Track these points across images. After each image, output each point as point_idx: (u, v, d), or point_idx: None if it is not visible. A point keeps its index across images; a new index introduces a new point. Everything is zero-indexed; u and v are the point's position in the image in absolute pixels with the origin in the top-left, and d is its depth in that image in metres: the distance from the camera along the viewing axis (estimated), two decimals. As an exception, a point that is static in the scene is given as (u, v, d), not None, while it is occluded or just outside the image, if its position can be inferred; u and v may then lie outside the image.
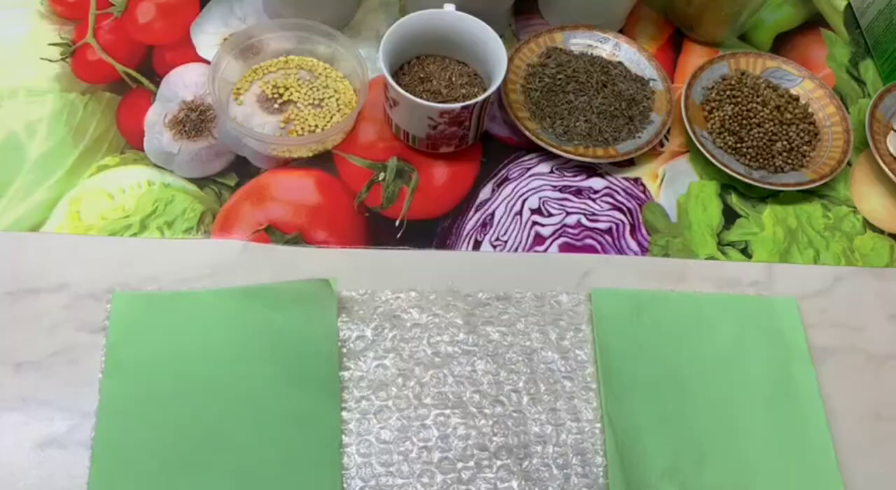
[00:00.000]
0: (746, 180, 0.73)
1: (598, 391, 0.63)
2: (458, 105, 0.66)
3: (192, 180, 0.70)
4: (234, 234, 0.68)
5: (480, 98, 0.67)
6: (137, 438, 0.58)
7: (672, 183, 0.75)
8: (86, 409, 0.59)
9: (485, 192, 0.72)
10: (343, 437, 0.59)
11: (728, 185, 0.75)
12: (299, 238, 0.68)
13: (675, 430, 0.62)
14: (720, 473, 0.61)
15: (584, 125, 0.74)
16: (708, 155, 0.73)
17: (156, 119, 0.73)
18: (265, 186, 0.70)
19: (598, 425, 0.62)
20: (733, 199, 0.74)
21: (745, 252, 0.72)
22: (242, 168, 0.71)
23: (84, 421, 0.59)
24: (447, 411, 0.61)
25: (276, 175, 0.71)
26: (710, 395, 0.64)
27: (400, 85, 0.68)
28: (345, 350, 0.63)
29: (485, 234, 0.70)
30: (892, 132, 0.77)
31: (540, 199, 0.72)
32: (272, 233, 0.68)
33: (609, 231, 0.71)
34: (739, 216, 0.73)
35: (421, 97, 0.69)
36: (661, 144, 0.77)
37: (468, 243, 0.69)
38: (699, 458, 0.61)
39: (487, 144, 0.75)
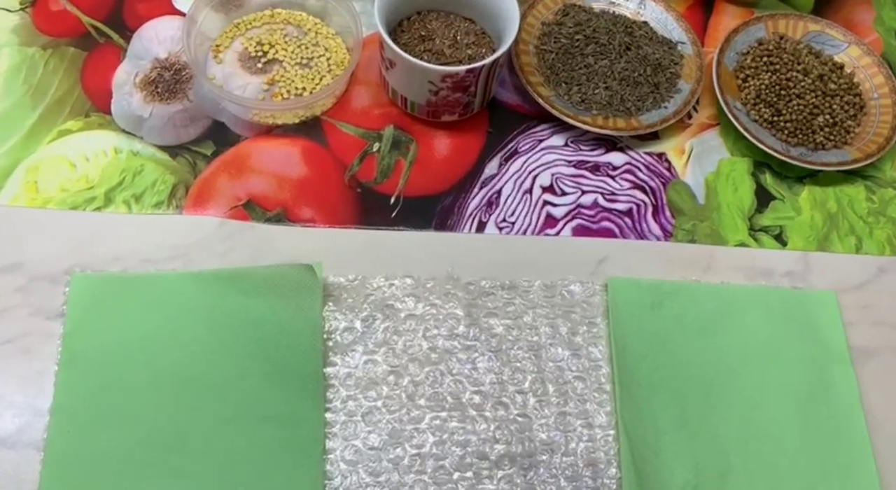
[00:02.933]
0: (783, 158, 0.65)
1: (613, 394, 0.56)
2: (462, 68, 0.59)
3: (163, 148, 0.63)
4: (210, 209, 0.61)
5: (489, 60, 0.59)
6: (95, 440, 0.51)
7: (700, 159, 0.67)
8: (38, 406, 0.53)
9: (491, 167, 0.65)
10: (326, 441, 0.53)
11: (762, 163, 0.67)
12: (282, 215, 0.61)
13: (698, 438, 0.55)
14: (747, 486, 0.54)
15: (604, 93, 0.66)
16: (741, 128, 0.66)
17: (125, 78, 0.66)
18: (245, 156, 0.63)
19: (612, 432, 0.55)
20: (767, 179, 0.67)
21: (780, 239, 0.64)
22: (220, 135, 0.64)
23: (36, 419, 0.52)
24: (444, 414, 0.55)
25: (257, 144, 0.64)
26: (737, 400, 0.57)
27: (398, 44, 0.60)
28: (330, 343, 0.56)
29: (490, 215, 0.63)
30: (946, 106, 0.69)
31: (552, 175, 0.65)
32: (252, 209, 0.61)
33: (629, 212, 0.64)
34: (774, 198, 0.66)
35: (421, 58, 0.61)
36: (689, 116, 0.69)
37: (471, 224, 0.62)
38: (724, 470, 0.55)
39: (495, 113, 0.67)
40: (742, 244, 0.64)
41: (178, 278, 0.57)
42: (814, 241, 0.64)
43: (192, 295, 0.56)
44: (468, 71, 0.59)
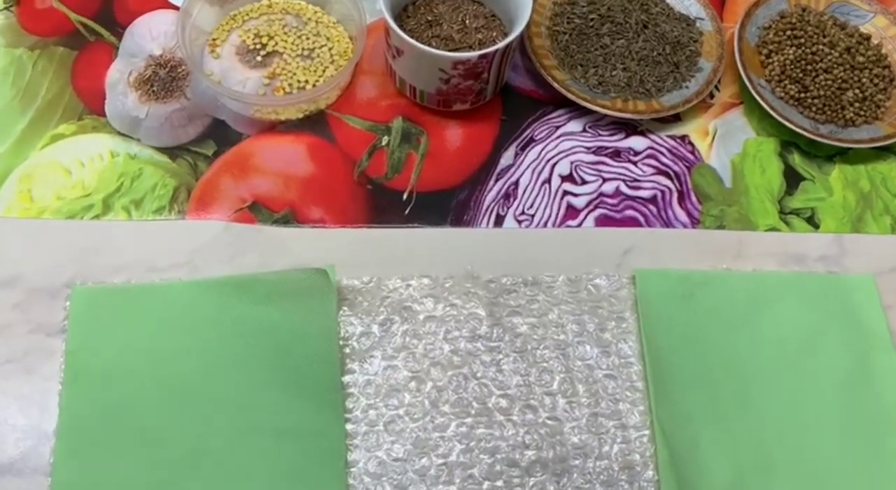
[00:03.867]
0: (812, 136, 0.62)
1: (647, 392, 0.54)
2: (475, 53, 0.55)
3: (162, 150, 0.60)
4: (214, 213, 0.58)
5: (501, 44, 0.56)
6: (104, 463, 0.49)
7: (725, 141, 0.64)
8: (43, 429, 0.50)
9: (506, 157, 0.62)
10: (348, 454, 0.50)
11: (790, 142, 0.64)
12: (290, 217, 0.58)
13: (738, 435, 0.53)
14: (792, 485, 0.52)
15: (622, 74, 0.63)
16: (767, 107, 0.63)
17: (118, 78, 0.63)
18: (248, 155, 0.60)
19: (647, 432, 0.53)
20: (796, 159, 0.64)
21: (812, 221, 0.61)
22: (221, 134, 0.61)
23: (41, 443, 0.50)
24: (469, 420, 0.52)
25: (260, 141, 0.61)
26: (775, 393, 0.54)
27: (404, 30, 0.57)
28: (347, 350, 0.53)
29: (508, 208, 0.60)
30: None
31: (571, 163, 0.62)
32: (258, 211, 0.58)
33: (653, 200, 0.61)
34: (804, 179, 0.63)
35: (429, 44, 0.58)
36: (711, 96, 0.66)
37: (489, 219, 0.59)
38: (766, 468, 0.52)
39: (508, 99, 0.64)
40: (773, 228, 0.61)
41: (184, 288, 0.54)
42: (847, 223, 0.61)
43: (200, 305, 0.53)
44: (481, 57, 0.56)
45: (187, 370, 0.51)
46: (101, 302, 0.53)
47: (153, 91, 0.62)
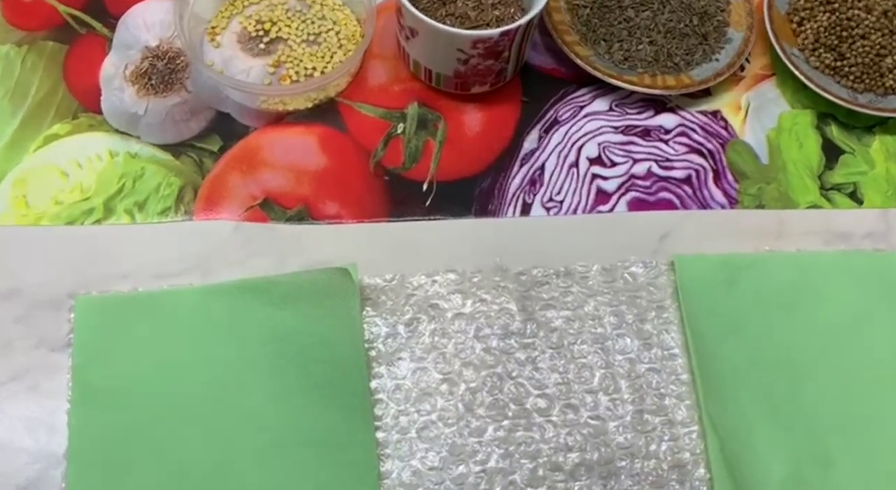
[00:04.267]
0: (850, 106, 0.59)
1: (693, 385, 0.50)
2: (496, 31, 0.52)
3: (164, 147, 0.56)
4: (223, 212, 0.54)
5: (523, 20, 0.52)
6: (121, 485, 0.45)
7: (758, 115, 0.60)
8: (53, 451, 0.47)
9: (530, 141, 0.58)
10: (380, 464, 0.47)
11: (826, 114, 0.61)
12: (304, 213, 0.55)
13: (793, 427, 0.50)
14: (853, 477, 0.49)
15: (649, 48, 0.59)
16: (801, 77, 0.59)
17: (114, 72, 0.59)
18: (256, 149, 0.56)
19: (696, 428, 0.49)
20: (834, 132, 0.60)
21: (855, 196, 0.58)
22: (226, 128, 0.57)
23: (52, 466, 0.46)
24: (507, 423, 0.49)
25: (268, 134, 0.57)
26: (830, 380, 0.51)
27: (417, 8, 0.53)
28: (373, 353, 0.50)
29: (535, 195, 0.56)
30: None
31: (599, 145, 0.58)
32: (270, 208, 0.55)
33: (688, 180, 0.57)
34: (843, 152, 0.60)
35: (444, 23, 0.54)
36: (741, 68, 0.62)
37: (515, 207, 0.56)
38: (825, 461, 0.49)
39: (528, 80, 0.60)
40: (814, 206, 0.57)
41: (195, 293, 0.50)
42: (892, 197, 0.58)
43: (214, 311, 0.50)
44: (503, 34, 0.52)
45: (204, 382, 0.48)
46: (107, 312, 0.50)
47: (151, 85, 0.58)
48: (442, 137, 0.58)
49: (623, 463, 0.48)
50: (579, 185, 0.57)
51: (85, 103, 0.58)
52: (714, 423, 0.49)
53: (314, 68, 0.58)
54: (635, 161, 0.58)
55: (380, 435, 0.48)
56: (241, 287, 0.50)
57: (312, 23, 0.60)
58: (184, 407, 0.47)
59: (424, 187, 0.56)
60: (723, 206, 0.57)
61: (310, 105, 0.58)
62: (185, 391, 0.48)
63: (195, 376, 0.48)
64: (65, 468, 0.46)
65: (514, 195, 0.56)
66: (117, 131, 0.57)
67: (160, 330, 0.49)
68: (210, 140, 0.57)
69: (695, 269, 0.53)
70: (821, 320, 0.53)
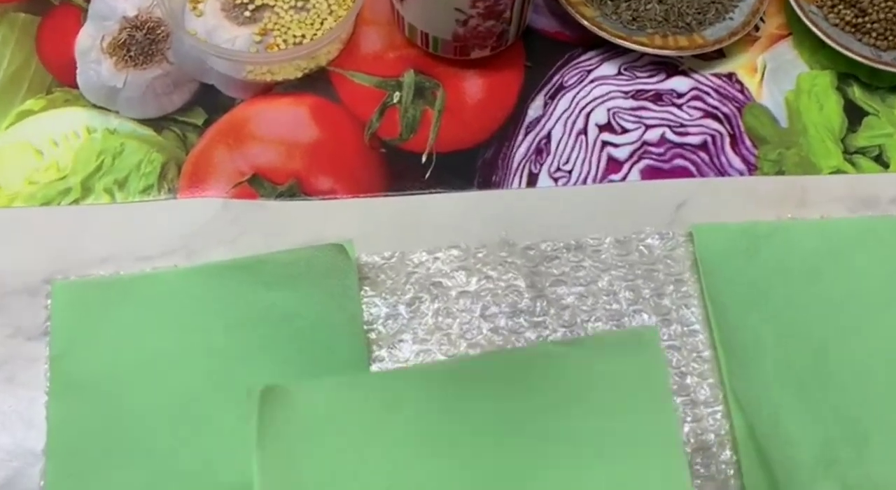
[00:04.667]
0: (873, 65, 0.55)
1: (716, 362, 0.47)
2: (496, -13, 0.48)
3: (145, 122, 0.53)
4: (209, 189, 0.51)
5: (526, -24, 0.49)
6: (104, 483, 0.42)
7: (776, 76, 0.57)
8: (30, 447, 0.43)
9: (534, 108, 0.55)
10: (383, 454, 0.44)
11: (847, 74, 0.57)
12: (295, 188, 0.51)
13: (823, 405, 0.46)
14: (889, 455, 0.45)
15: (658, 7, 0.56)
16: (821, 35, 0.56)
17: (90, 44, 0.55)
18: (244, 122, 0.53)
19: (720, 408, 0.46)
20: (856, 92, 0.57)
21: (880, 160, 0.55)
22: (211, 100, 0.54)
23: (30, 464, 0.43)
24: (518, 407, 0.45)
25: (256, 106, 0.54)
26: (860, 354, 0.48)
27: (412, -32, 0.50)
28: (373, 335, 0.47)
29: (541, 164, 0.53)
30: None
31: (608, 110, 0.55)
32: (259, 184, 0.51)
33: (704, 146, 0.54)
34: (867, 114, 0.56)
35: (441, -17, 0.50)
36: (756, 28, 0.59)
37: (520, 178, 0.52)
38: (858, 438, 0.46)
39: (531, 43, 0.57)
40: (838, 170, 0.54)
41: (182, 275, 0.47)
42: (920, 160, 0.55)
43: (203, 294, 0.46)
44: (504, -9, 0.48)
45: (192, 371, 0.45)
46: (86, 298, 0.46)
47: (130, 56, 0.55)
48: (441, 106, 0.54)
49: (643, 447, 0.45)
50: (588, 153, 0.53)
51: (60, 77, 0.54)
52: (739, 401, 0.46)
53: (303, 36, 0.55)
54: (647, 127, 0.54)
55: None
56: (229, 267, 0.47)
57: (300, -12, 0.56)
58: (170, 398, 0.44)
59: (423, 159, 0.53)
60: (741, 173, 0.53)
61: (299, 74, 0.54)
62: (172, 381, 0.44)
63: (182, 364, 0.45)
64: (43, 465, 0.43)
65: (519, 165, 0.53)
66: (95, 106, 0.53)
67: (144, 316, 0.46)
68: (194, 113, 0.53)
69: (714, 239, 0.50)
70: (848, 289, 0.49)
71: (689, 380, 0.47)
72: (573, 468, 0.42)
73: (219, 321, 0.46)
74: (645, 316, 0.48)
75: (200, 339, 0.45)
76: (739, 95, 0.56)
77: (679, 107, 0.55)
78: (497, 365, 0.44)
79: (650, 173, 0.53)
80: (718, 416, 0.46)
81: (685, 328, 0.48)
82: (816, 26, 0.56)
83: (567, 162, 0.53)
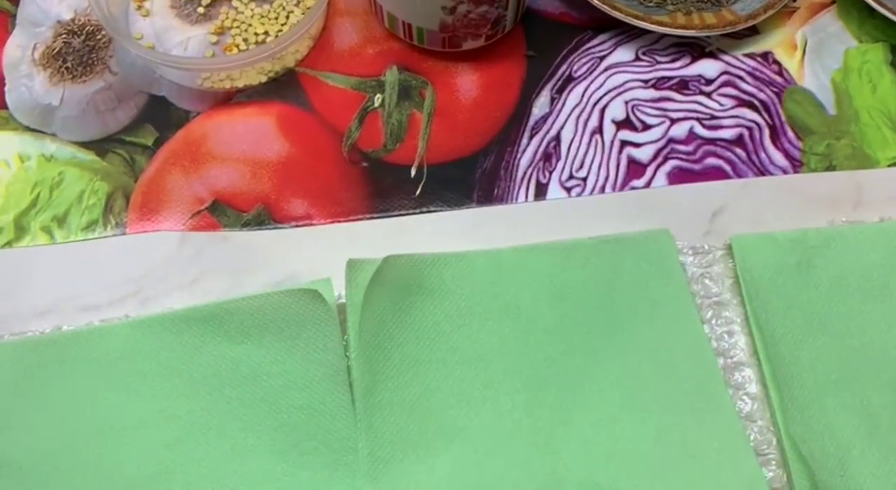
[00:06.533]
0: (933, 34, 0.47)
1: (768, 401, 0.40)
2: (488, -33, 0.40)
3: (86, 145, 0.46)
4: (164, 221, 0.43)
5: (522, -49, 0.41)
6: None
7: (818, 53, 0.49)
8: (-38, 545, 0.37)
9: (540, 105, 0.47)
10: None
11: (902, 45, 0.49)
12: (264, 215, 0.44)
13: (898, 448, 0.39)
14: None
15: (680, -21, 0.48)
16: (870, 1, 0.48)
17: (20, 55, 0.48)
18: (201, 139, 0.45)
19: (774, 457, 0.39)
20: (913, 67, 0.49)
21: (946, 146, 0.47)
22: (162, 115, 0.46)
23: (-39, 566, 0.36)
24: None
25: (214, 119, 0.46)
26: (940, 383, 0.40)
27: (387, -53, 0.42)
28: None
29: (551, 172, 0.45)
30: None
31: (626, 103, 0.47)
32: (222, 213, 0.44)
33: (739, 141, 0.46)
34: (927, 92, 0.48)
35: (423, -36, 0.42)
36: (793, -3, 0.50)
37: (527, 189, 0.45)
38: (941, 489, 0.38)
39: (532, 30, 0.49)
40: (898, 162, 0.46)
41: (134, 329, 0.40)
42: None
43: (158, 350, 0.39)
44: (497, -30, 0.41)
45: (150, 442, 0.38)
46: (21, 362, 0.39)
47: (67, 68, 0.47)
48: (430, 108, 0.47)
49: (687, 507, 0.38)
50: (605, 156, 0.46)
51: (-14, 96, 0.47)
52: (798, 448, 0.38)
53: (266, 33, 0.47)
54: (673, 121, 0.46)
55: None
56: (188, 318, 0.40)
57: (261, -23, 0.48)
58: (125, 475, 0.37)
59: (413, 173, 0.45)
60: (785, 171, 0.46)
61: (264, 79, 0.47)
62: (126, 456, 0.37)
63: (137, 436, 0.38)
64: (-25, 569, 0.36)
65: (525, 174, 0.45)
66: (27, 129, 0.46)
67: (90, 379, 0.39)
68: (142, 132, 0.46)
69: (758, 252, 0.42)
70: (922, 306, 0.42)
71: (737, 425, 0.39)
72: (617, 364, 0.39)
73: (178, 383, 0.38)
74: (681, 349, 0.41)
75: (157, 404, 0.38)
76: (778, 78, 0.48)
77: (708, 95, 0.47)
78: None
79: (679, 176, 0.45)
80: (773, 466, 0.39)
81: (728, 360, 0.41)
82: (864, -8, 0.48)
83: (581, 167, 0.45)
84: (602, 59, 0.48)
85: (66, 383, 0.39)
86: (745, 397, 0.40)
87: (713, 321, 0.42)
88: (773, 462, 0.39)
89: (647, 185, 0.45)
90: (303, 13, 0.48)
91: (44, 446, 0.38)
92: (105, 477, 0.37)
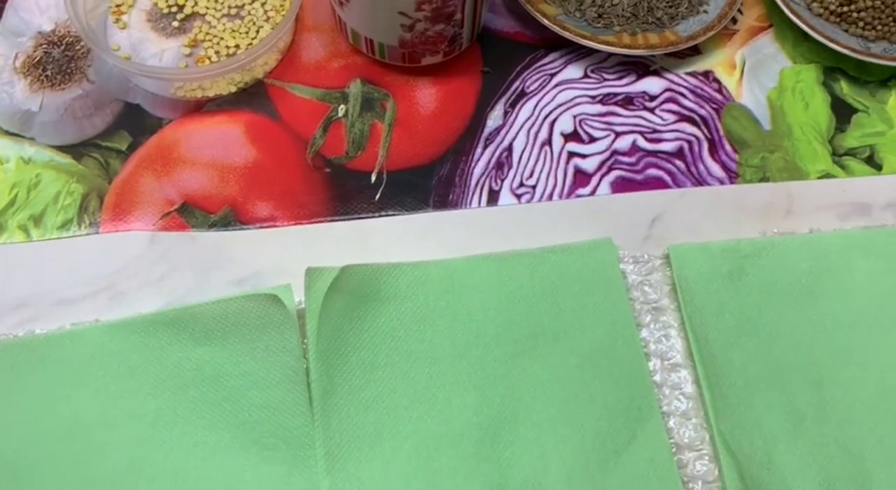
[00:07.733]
0: (861, 57, 0.51)
1: (702, 400, 0.43)
2: (442, -12, 0.43)
3: (63, 149, 0.48)
4: (135, 222, 0.46)
5: (475, -26, 0.44)
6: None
7: (756, 73, 0.52)
8: (-65, 525, 0.38)
9: (494, 118, 0.50)
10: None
11: (833, 68, 0.53)
12: (231, 217, 0.46)
13: (822, 442, 0.42)
14: (893, 495, 0.41)
15: (626, 2, 0.51)
16: (804, 26, 0.51)
17: (1, 64, 0.50)
18: (172, 145, 0.48)
19: (707, 452, 0.42)
20: (843, 88, 0.52)
21: (872, 162, 0.50)
22: (136, 121, 0.49)
23: (-67, 544, 0.38)
24: (482, 455, 0.41)
25: (186, 126, 0.49)
26: (862, 383, 0.43)
27: (350, -32, 0.45)
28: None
29: (502, 180, 0.48)
30: None
31: (575, 117, 0.50)
32: (190, 214, 0.46)
33: (679, 153, 0.49)
34: (856, 111, 0.52)
35: (384, -15, 0.45)
36: (734, 21, 0.54)
37: (480, 196, 0.48)
38: (861, 477, 0.41)
39: (488, 47, 0.52)
40: (826, 175, 0.50)
41: (103, 332, 0.41)
42: (915, 160, 0.50)
43: (126, 353, 0.41)
44: (451, -9, 0.44)
45: (117, 442, 0.39)
46: (-1, 358, 0.41)
47: (47, 76, 0.50)
48: (391, 119, 0.49)
49: (622, 496, 0.41)
50: (554, 165, 0.49)
51: (-32, 102, 0.49)
52: (728, 443, 0.41)
53: (237, 46, 0.50)
54: (617, 135, 0.50)
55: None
56: (154, 321, 0.42)
57: (233, -7, 0.51)
58: (92, 473, 0.39)
59: (373, 178, 0.48)
60: (721, 182, 0.49)
61: (234, 89, 0.50)
62: (94, 453, 0.39)
63: (105, 433, 0.40)
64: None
65: (478, 182, 0.48)
66: (7, 133, 0.48)
67: (60, 380, 0.41)
68: (117, 137, 0.48)
69: (694, 261, 0.45)
70: (846, 313, 0.45)
71: (671, 421, 0.42)
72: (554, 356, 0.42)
73: (145, 383, 0.41)
74: (620, 347, 0.44)
75: (126, 404, 0.40)
76: (717, 95, 0.51)
77: (651, 111, 0.50)
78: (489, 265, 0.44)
79: (621, 186, 0.48)
80: (706, 460, 0.42)
81: (665, 362, 0.44)
82: (799, 17, 0.51)
83: (531, 176, 0.48)
84: (553, 75, 0.51)
85: (39, 384, 0.41)
86: (681, 396, 0.43)
87: (652, 325, 0.44)
88: (706, 457, 0.42)
89: (592, 193, 0.48)
90: (272, 28, 0.50)
91: (16, 444, 0.39)
92: (76, 473, 0.39)
